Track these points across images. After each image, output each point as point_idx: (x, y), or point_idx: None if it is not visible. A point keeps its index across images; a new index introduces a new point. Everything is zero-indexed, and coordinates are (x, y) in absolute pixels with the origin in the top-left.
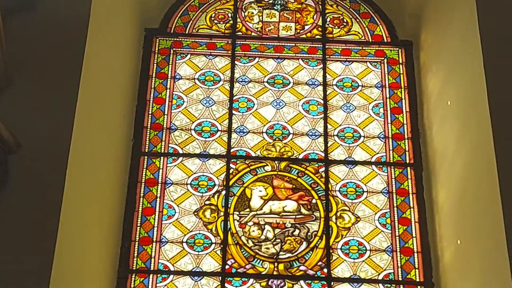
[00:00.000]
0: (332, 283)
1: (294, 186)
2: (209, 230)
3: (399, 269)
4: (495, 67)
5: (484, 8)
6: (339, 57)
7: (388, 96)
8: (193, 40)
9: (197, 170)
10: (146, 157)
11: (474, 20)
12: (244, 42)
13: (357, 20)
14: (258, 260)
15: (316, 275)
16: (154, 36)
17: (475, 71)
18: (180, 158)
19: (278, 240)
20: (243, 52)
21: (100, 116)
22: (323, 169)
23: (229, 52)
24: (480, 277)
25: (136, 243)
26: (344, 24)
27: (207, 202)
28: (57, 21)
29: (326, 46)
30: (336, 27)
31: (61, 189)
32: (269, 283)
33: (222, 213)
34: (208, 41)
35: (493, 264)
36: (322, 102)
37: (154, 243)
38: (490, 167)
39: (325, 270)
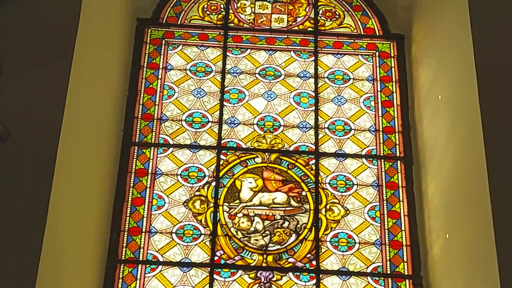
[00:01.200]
0: (320, 275)
1: (284, 178)
2: (199, 221)
3: (388, 262)
4: (486, 61)
5: (475, 2)
6: (331, 49)
7: (379, 89)
8: (185, 31)
9: (187, 161)
10: (136, 147)
11: (465, 14)
12: (236, 34)
13: (349, 13)
14: (247, 252)
15: (305, 267)
16: (146, 26)
17: (466, 65)
18: (171, 149)
19: (268, 232)
20: (235, 44)
21: (91, 105)
22: (313, 161)
23: (221, 43)
24: (468, 270)
25: (125, 233)
26: (336, 16)
27: (197, 193)
28: (48, 10)
29: (318, 39)
30: (328, 19)
31: (51, 178)
32: (258, 274)
33: (211, 204)
34: (200, 32)
35: (481, 258)
36: (313, 94)
37: (143, 234)
38: (479, 161)
39: (314, 263)
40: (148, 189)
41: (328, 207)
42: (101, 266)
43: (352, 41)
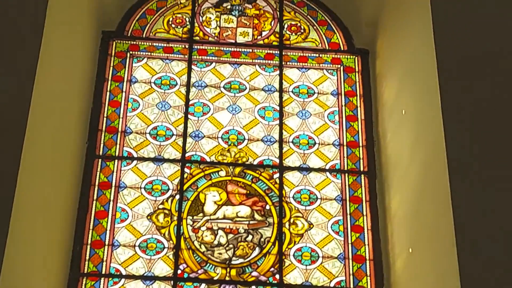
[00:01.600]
0: None
1: (248, 192)
2: (162, 235)
3: (351, 277)
4: (449, 76)
5: (439, 17)
6: (295, 64)
7: (343, 103)
8: (150, 43)
9: (151, 174)
10: (100, 160)
11: (429, 31)
12: (201, 47)
13: (314, 27)
14: (211, 265)
15: (268, 281)
16: (111, 38)
17: (429, 80)
18: (135, 162)
19: (231, 246)
20: (200, 57)
21: (55, 118)
22: (277, 175)
23: (186, 56)
24: (431, 285)
25: (88, 246)
26: (302, 31)
27: (160, 206)
28: (12, 22)
29: (283, 53)
30: (294, 34)
31: (13, 190)
32: None
33: (175, 218)
34: (165, 45)
35: (444, 273)
36: (278, 108)
37: (106, 247)
38: (442, 176)
39: (277, 276)
40: (111, 202)
41: (291, 221)
42: (63, 279)
43: (317, 55)
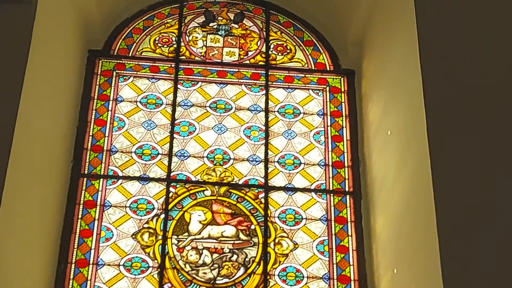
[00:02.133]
0: None
1: (233, 212)
2: (147, 254)
3: None
4: (434, 97)
5: (425, 38)
6: (281, 83)
7: (329, 124)
8: (136, 62)
9: (136, 193)
10: (85, 178)
11: (415, 50)
12: (187, 66)
13: (301, 47)
14: (195, 285)
15: None
16: (97, 57)
17: (414, 101)
18: (120, 181)
19: (216, 265)
20: (186, 76)
21: (40, 136)
22: (262, 195)
23: (172, 75)
24: None
25: (73, 265)
26: (288, 51)
27: (145, 226)
28: None
29: (269, 73)
30: (280, 54)
31: None
32: None
33: (160, 237)
34: (151, 64)
35: None
36: (263, 128)
37: (90, 266)
38: (427, 197)
39: None
40: (96, 221)
41: (277, 241)
42: None
43: (303, 75)
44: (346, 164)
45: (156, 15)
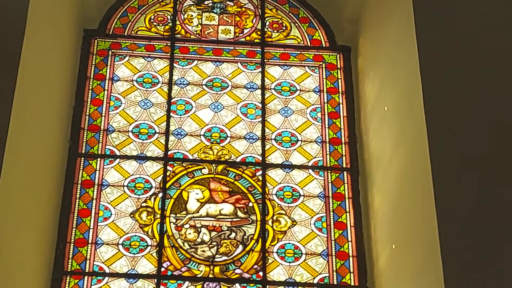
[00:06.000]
0: (267, 286)
1: (231, 189)
2: (145, 233)
3: (334, 273)
4: (431, 73)
5: (421, 15)
6: (277, 61)
7: (326, 101)
8: (131, 41)
9: (134, 172)
10: (82, 158)
11: (411, 27)
12: (183, 45)
13: (296, 24)
14: (194, 263)
15: (251, 279)
16: (93, 37)
17: (411, 77)
18: (117, 160)
19: (214, 243)
20: (182, 55)
21: (37, 116)
22: (260, 172)
23: (168, 54)
24: (414, 281)
25: (71, 244)
26: (283, 28)
27: (143, 204)
28: None
29: (265, 50)
30: (275, 31)
31: None
32: (205, 286)
33: (158, 216)
34: (147, 43)
35: (427, 269)
36: (260, 105)
37: (89, 245)
38: (425, 173)
39: (261, 274)
40: (94, 200)
41: (274, 218)
42: (46, 278)
43: (299, 52)
44: (343, 141)
45: None
